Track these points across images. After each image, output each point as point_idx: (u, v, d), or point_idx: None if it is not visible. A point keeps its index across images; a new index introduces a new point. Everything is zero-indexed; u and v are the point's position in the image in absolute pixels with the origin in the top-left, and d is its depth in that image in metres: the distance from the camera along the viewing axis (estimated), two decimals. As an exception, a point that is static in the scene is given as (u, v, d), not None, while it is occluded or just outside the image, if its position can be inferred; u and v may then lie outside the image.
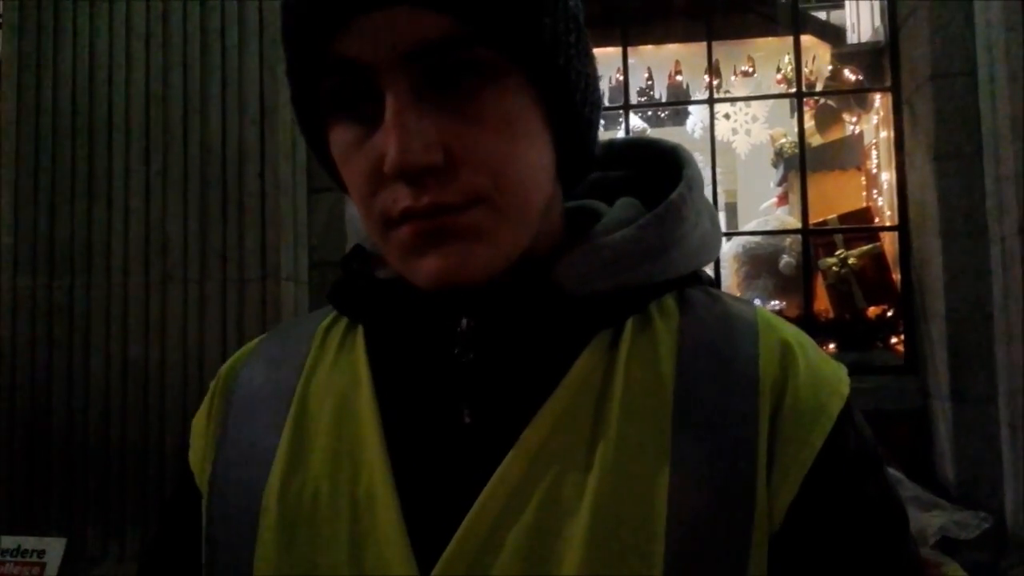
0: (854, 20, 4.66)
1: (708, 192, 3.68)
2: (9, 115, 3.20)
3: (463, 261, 0.51)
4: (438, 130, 0.49)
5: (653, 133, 6.09)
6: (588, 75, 0.56)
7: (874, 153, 4.57)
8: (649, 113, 6.07)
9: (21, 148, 3.17)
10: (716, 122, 4.12)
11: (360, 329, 0.62)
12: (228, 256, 3.07)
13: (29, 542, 2.50)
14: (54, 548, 2.54)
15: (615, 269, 0.56)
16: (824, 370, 0.57)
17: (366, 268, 0.62)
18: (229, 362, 0.66)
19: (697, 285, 0.61)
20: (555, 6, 0.52)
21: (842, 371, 0.58)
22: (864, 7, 4.46)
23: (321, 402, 0.59)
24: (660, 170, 0.65)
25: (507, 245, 0.52)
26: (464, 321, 0.55)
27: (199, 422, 0.64)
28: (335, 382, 0.59)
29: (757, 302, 4.18)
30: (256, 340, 0.68)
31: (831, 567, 0.52)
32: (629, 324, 0.56)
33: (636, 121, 5.66)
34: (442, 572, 0.50)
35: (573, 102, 0.54)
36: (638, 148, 0.69)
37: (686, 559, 0.49)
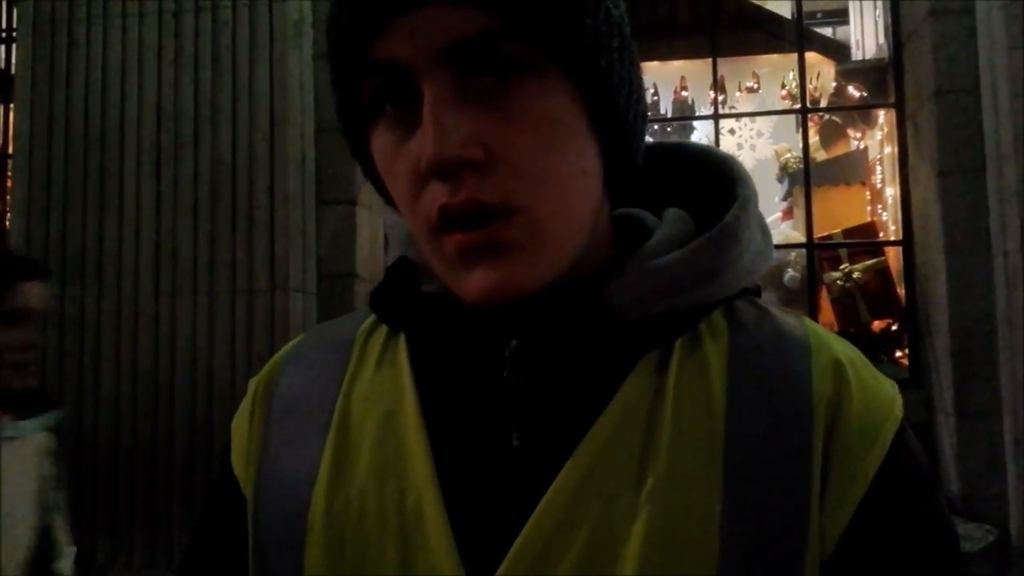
0: (858, 37, 4.70)
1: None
2: (22, 127, 3.25)
3: (509, 276, 0.50)
4: (477, 126, 0.48)
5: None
6: (632, 83, 0.55)
7: (878, 168, 4.60)
8: (655, 128, 6.11)
9: (33, 159, 3.21)
10: (721, 137, 4.16)
11: (402, 339, 0.61)
12: (237, 267, 3.10)
13: (39, 550, 2.52)
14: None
15: (669, 294, 0.55)
16: (877, 392, 0.55)
17: (411, 280, 0.61)
18: (266, 368, 0.65)
19: (745, 297, 0.60)
20: (597, 10, 0.51)
21: (894, 390, 0.56)
22: (868, 24, 4.49)
23: (364, 414, 0.58)
24: (708, 180, 0.63)
25: (552, 257, 0.52)
26: (513, 342, 0.54)
27: (241, 426, 0.63)
28: (378, 393, 0.58)
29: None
30: (291, 345, 0.67)
31: None
32: (678, 345, 0.55)
33: (641, 136, 5.69)
34: None
35: (616, 106, 0.53)
36: (688, 155, 0.66)
37: None
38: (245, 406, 0.64)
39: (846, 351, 0.57)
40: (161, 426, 3.02)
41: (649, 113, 2.86)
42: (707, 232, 0.57)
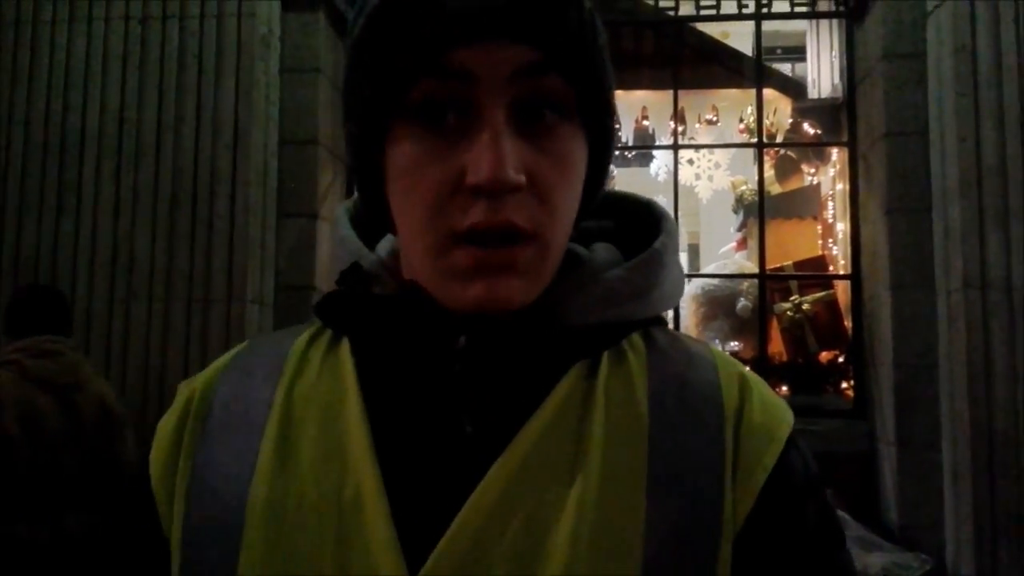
0: (815, 76, 4.82)
1: (670, 234, 3.75)
2: (-20, 127, 3.21)
3: (505, 293, 0.55)
4: (524, 157, 0.54)
5: (619, 174, 6.22)
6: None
7: (830, 204, 4.72)
8: (616, 155, 6.19)
9: (-10, 160, 3.17)
10: (680, 167, 4.23)
11: (345, 342, 0.64)
12: (194, 276, 3.08)
13: (-21, 555, 2.47)
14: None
15: (606, 305, 0.62)
16: (774, 402, 0.63)
17: (363, 285, 0.65)
18: (204, 375, 0.67)
19: (658, 326, 0.67)
20: (609, 72, 0.61)
21: (787, 406, 0.64)
22: (825, 64, 4.62)
23: (305, 411, 0.60)
24: (633, 220, 0.71)
25: (543, 280, 0.58)
26: (462, 339, 0.58)
27: (166, 430, 0.64)
28: (320, 391, 0.61)
29: (716, 342, 4.28)
30: (230, 354, 0.69)
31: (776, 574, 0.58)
32: (605, 356, 0.61)
33: (602, 162, 5.76)
34: (429, 573, 0.52)
35: (607, 159, 0.63)
36: (616, 200, 0.74)
37: (662, 566, 0.53)
38: (173, 413, 0.65)
39: (747, 371, 0.65)
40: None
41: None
42: (640, 255, 0.65)
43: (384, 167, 0.59)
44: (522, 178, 0.54)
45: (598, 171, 0.63)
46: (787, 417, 0.62)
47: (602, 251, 0.67)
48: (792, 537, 0.58)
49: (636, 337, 0.64)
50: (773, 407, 0.62)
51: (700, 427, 0.58)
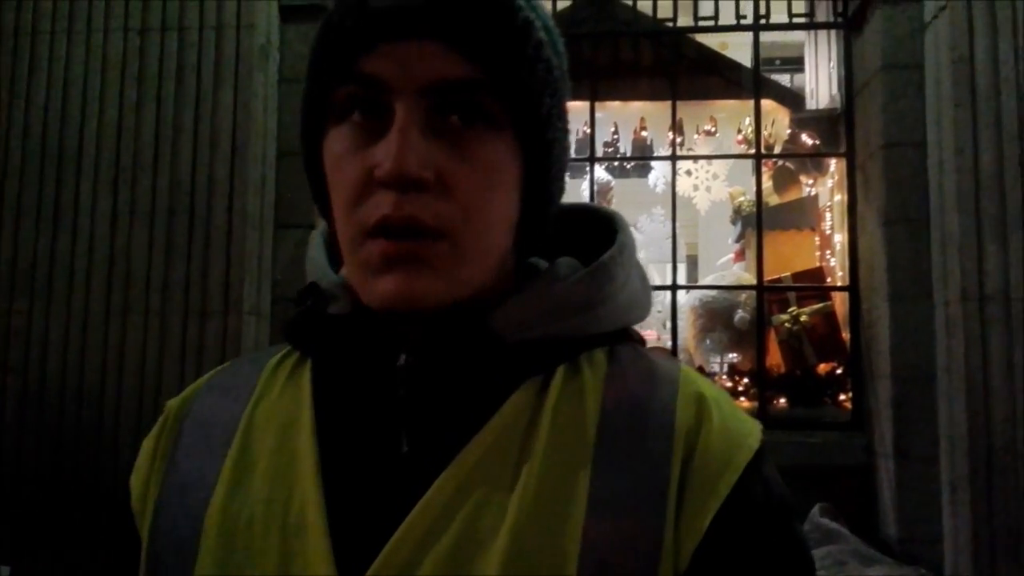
0: (813, 86, 4.83)
1: (668, 244, 3.77)
2: (-23, 138, 3.20)
3: (417, 288, 0.55)
4: (435, 155, 0.54)
5: (617, 185, 6.23)
6: (562, 161, 0.63)
7: (828, 215, 4.73)
8: (615, 165, 6.21)
9: (-13, 171, 3.17)
10: (678, 178, 4.24)
11: (309, 363, 0.65)
12: (191, 288, 3.07)
13: (-27, 569, 2.46)
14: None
15: (545, 320, 0.61)
16: (735, 424, 0.60)
17: (318, 303, 0.65)
18: (181, 395, 0.69)
19: (627, 343, 0.66)
20: (556, 88, 0.60)
21: (755, 427, 0.61)
22: (823, 74, 4.63)
23: (265, 429, 0.62)
24: (597, 234, 0.70)
25: (460, 282, 0.57)
26: (403, 358, 0.59)
27: (147, 447, 0.67)
28: (279, 411, 0.63)
29: (714, 355, 4.27)
30: (208, 374, 0.71)
31: None
32: (559, 371, 0.60)
33: (601, 173, 5.77)
34: None
35: (549, 173, 0.61)
36: (579, 213, 0.73)
37: None
38: (153, 431, 0.68)
39: (712, 390, 0.62)
40: (104, 445, 2.97)
41: (610, 149, 2.94)
42: (586, 268, 0.64)
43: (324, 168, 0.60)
44: (427, 174, 0.54)
45: (542, 182, 0.61)
46: (748, 442, 0.59)
47: (563, 266, 0.65)
48: (746, 570, 0.56)
49: (599, 353, 0.63)
50: (735, 432, 0.59)
51: (646, 453, 0.56)
